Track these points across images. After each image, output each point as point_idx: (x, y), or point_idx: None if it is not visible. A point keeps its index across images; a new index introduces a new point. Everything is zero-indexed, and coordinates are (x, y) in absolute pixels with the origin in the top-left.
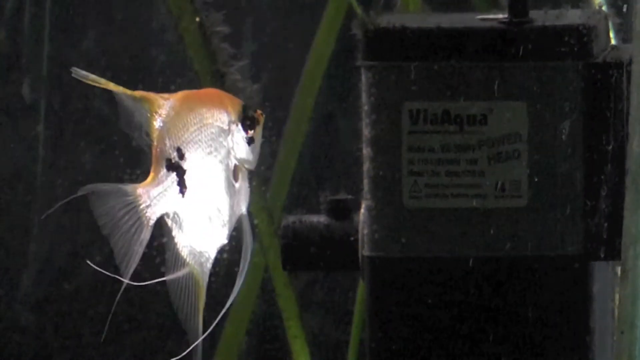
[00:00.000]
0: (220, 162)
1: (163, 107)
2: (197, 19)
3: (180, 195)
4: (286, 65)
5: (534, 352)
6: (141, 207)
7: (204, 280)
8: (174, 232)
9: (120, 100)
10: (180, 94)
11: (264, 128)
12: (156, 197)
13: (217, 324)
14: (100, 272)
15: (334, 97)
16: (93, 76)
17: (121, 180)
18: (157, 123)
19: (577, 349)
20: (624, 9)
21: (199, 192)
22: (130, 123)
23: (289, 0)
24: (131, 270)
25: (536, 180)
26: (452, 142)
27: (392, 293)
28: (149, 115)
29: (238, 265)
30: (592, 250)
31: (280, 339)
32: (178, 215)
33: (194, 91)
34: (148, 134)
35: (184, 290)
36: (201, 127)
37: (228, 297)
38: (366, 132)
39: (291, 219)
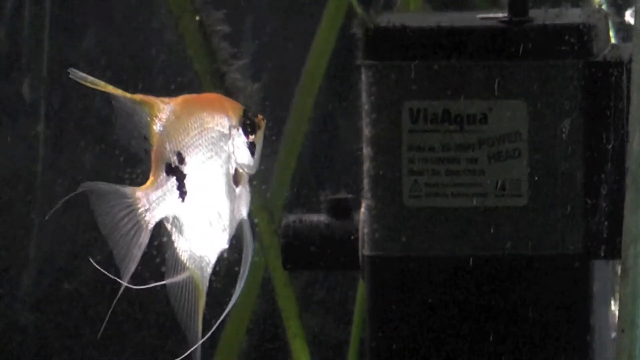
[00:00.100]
0: (221, 166)
1: (163, 111)
2: (197, 18)
3: (180, 199)
4: (286, 64)
5: (534, 351)
6: (140, 210)
7: (204, 285)
8: (174, 237)
9: (117, 104)
10: (181, 98)
11: (264, 130)
12: (155, 201)
13: (217, 323)
14: (100, 271)
15: (334, 96)
16: (91, 78)
17: (121, 180)
18: (157, 127)
19: (578, 348)
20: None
21: (199, 196)
22: (127, 127)
23: (289, 0)
24: (130, 274)
25: (536, 179)
26: (452, 141)
27: (392, 292)
28: (148, 119)
29: (238, 265)
30: (593, 249)
31: (281, 338)
32: (178, 220)
33: (195, 95)
34: (147, 138)
35: (184, 295)
36: (202, 131)
37: (228, 297)
38: (366, 131)
39: (291, 218)
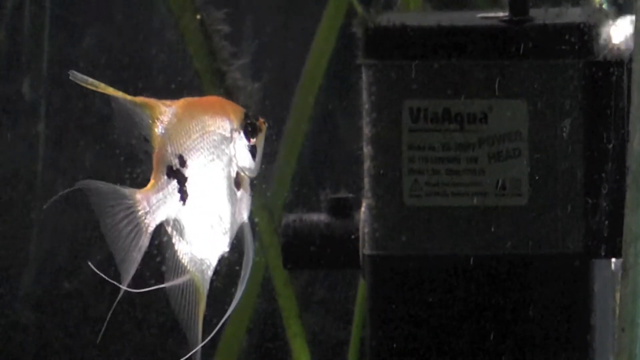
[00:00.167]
0: (222, 169)
1: (165, 114)
2: (198, 18)
3: (181, 202)
4: (286, 63)
5: (535, 350)
6: (140, 213)
7: (204, 288)
8: (175, 240)
9: (117, 106)
10: (182, 101)
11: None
12: (156, 204)
13: (217, 323)
14: (101, 271)
15: (335, 95)
16: (92, 80)
17: (121, 180)
18: (158, 129)
19: (578, 347)
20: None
21: (200, 199)
22: (127, 128)
23: None
24: (130, 277)
25: (536, 178)
26: (452, 140)
27: (392, 291)
28: (150, 121)
29: (237, 265)
30: (593, 249)
31: (281, 337)
32: (179, 223)
33: (196, 98)
34: (147, 139)
35: (184, 297)
36: (203, 134)
37: (228, 296)
38: (367, 130)
39: (292, 217)
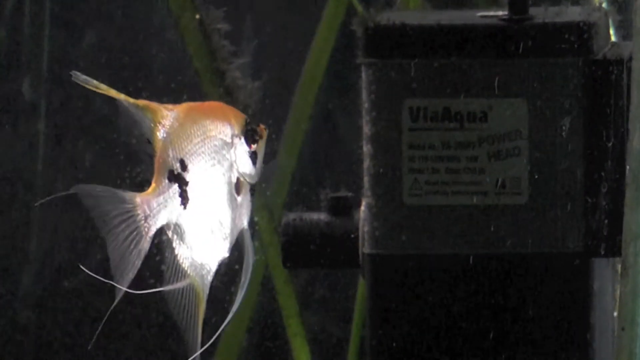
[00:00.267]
0: (223, 174)
1: (166, 118)
2: (197, 17)
3: (182, 206)
4: (286, 63)
5: (534, 349)
6: (139, 217)
7: (204, 293)
8: (175, 244)
9: (122, 106)
10: (184, 105)
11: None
12: (156, 208)
13: (217, 323)
14: (101, 270)
15: (334, 94)
16: (94, 82)
17: (122, 180)
18: (160, 133)
19: (578, 346)
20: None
21: (201, 204)
22: (130, 128)
23: None
24: (129, 280)
25: (536, 177)
26: (452, 139)
27: (392, 290)
28: (152, 124)
29: (237, 265)
30: (593, 247)
31: (281, 336)
32: (179, 227)
33: (198, 103)
34: (150, 142)
35: (184, 302)
36: (204, 139)
37: (228, 296)
38: (366, 129)
39: (291, 216)
